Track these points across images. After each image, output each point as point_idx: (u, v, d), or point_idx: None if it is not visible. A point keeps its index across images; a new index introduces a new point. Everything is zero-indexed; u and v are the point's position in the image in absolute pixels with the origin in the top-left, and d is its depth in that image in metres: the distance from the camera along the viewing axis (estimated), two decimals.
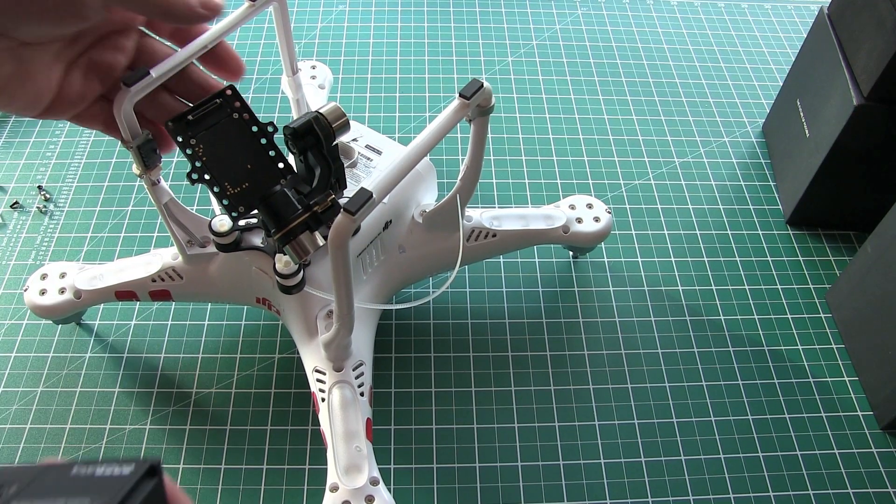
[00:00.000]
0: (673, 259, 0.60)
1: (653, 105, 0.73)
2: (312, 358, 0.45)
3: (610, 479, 0.48)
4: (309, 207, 0.38)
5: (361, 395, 0.44)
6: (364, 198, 0.34)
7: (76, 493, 0.17)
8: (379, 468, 0.42)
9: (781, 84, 0.68)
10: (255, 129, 0.38)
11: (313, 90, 0.61)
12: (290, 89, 0.51)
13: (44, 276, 0.51)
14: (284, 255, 0.41)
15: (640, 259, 0.60)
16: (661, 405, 0.52)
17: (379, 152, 0.51)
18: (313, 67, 0.64)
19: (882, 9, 0.51)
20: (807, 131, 0.60)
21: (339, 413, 0.43)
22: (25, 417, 0.50)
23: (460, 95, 0.39)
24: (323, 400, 0.43)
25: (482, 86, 0.39)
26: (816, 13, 0.62)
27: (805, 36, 0.63)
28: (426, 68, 0.75)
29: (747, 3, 0.85)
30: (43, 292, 0.50)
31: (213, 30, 0.37)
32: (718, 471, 0.49)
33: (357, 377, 0.44)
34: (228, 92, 0.37)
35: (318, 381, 0.44)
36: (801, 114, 0.62)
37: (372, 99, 0.72)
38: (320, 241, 0.39)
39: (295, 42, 0.77)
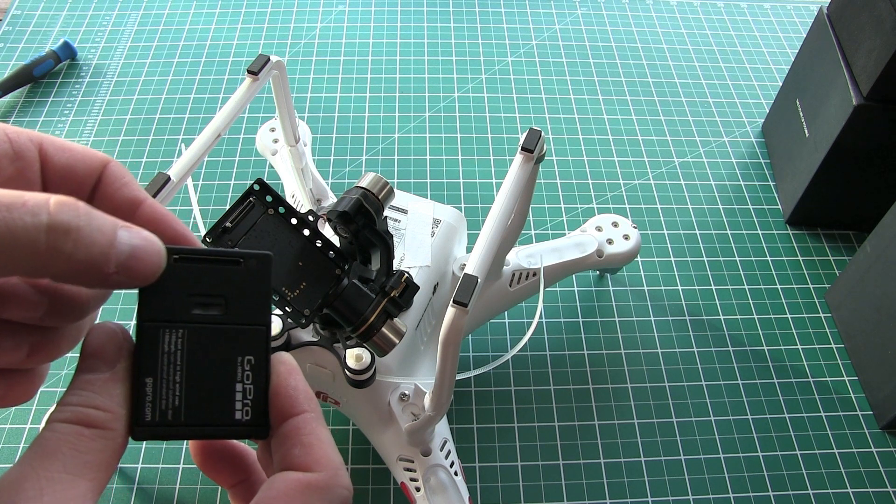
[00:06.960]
0: (673, 259, 0.60)
1: (653, 105, 0.73)
2: (393, 446, 0.42)
3: (610, 478, 0.48)
4: (385, 294, 0.35)
5: (455, 474, 0.41)
6: (472, 285, 0.31)
7: None
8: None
9: (781, 84, 0.68)
10: (294, 221, 0.33)
11: (287, 152, 0.54)
12: (293, 159, 0.49)
13: None
14: (354, 348, 0.38)
15: (639, 259, 0.60)
16: (660, 405, 0.52)
17: (404, 211, 0.47)
18: (272, 130, 0.59)
19: (881, 8, 0.51)
20: (806, 131, 0.60)
21: (441, 500, 0.40)
22: (25, 417, 0.50)
23: (523, 149, 0.37)
24: (418, 489, 0.41)
25: (541, 135, 0.37)
26: (816, 13, 0.62)
27: (804, 36, 0.63)
28: (426, 68, 0.75)
29: (747, 3, 0.85)
30: None
31: (222, 113, 0.34)
32: (718, 470, 0.49)
33: (446, 456, 0.42)
34: (257, 187, 0.33)
35: (408, 470, 0.41)
36: (801, 114, 0.62)
37: (372, 99, 0.72)
38: (403, 328, 0.35)
39: (295, 42, 0.77)
